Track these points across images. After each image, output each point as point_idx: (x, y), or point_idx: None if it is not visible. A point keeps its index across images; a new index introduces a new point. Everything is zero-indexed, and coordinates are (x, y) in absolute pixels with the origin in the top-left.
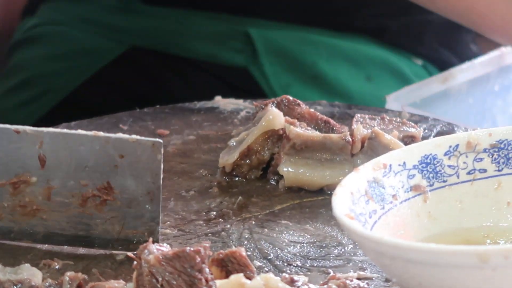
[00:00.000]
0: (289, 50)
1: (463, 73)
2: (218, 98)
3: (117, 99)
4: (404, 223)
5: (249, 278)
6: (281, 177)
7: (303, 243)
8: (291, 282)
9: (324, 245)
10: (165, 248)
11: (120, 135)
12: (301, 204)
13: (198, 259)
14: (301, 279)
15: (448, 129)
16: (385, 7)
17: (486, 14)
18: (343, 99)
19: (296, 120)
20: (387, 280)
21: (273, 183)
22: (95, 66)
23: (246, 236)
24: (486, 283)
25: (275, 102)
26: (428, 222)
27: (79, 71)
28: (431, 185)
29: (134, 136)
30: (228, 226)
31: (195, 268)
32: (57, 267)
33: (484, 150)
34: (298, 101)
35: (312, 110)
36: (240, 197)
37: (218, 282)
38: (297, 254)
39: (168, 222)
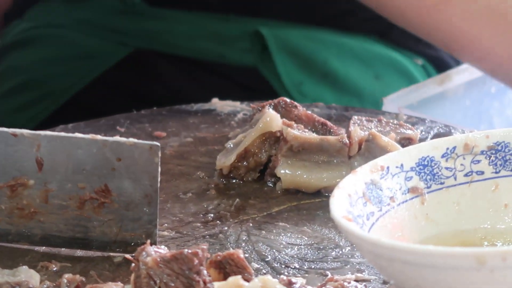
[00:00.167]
0: (301, 48)
1: (460, 75)
2: (215, 100)
3: (122, 102)
4: (402, 225)
5: (247, 280)
6: (279, 179)
7: (301, 245)
8: (289, 284)
9: (321, 247)
10: (163, 250)
11: (117, 138)
12: (298, 206)
13: (196, 261)
14: (299, 281)
15: (445, 131)
16: None
17: (469, 46)
18: (355, 97)
19: (293, 122)
20: (384, 282)
21: (270, 185)
22: (98, 69)
23: (244, 238)
24: (484, 285)
25: (272, 104)
26: (425, 224)
27: (81, 74)
28: (428, 187)
29: (131, 139)
30: (226, 228)
31: (193, 270)
32: (54, 269)
33: (482, 152)
34: (295, 103)
35: (309, 112)
36: (237, 199)
37: (216, 284)
38: (295, 256)
39: (166, 224)
